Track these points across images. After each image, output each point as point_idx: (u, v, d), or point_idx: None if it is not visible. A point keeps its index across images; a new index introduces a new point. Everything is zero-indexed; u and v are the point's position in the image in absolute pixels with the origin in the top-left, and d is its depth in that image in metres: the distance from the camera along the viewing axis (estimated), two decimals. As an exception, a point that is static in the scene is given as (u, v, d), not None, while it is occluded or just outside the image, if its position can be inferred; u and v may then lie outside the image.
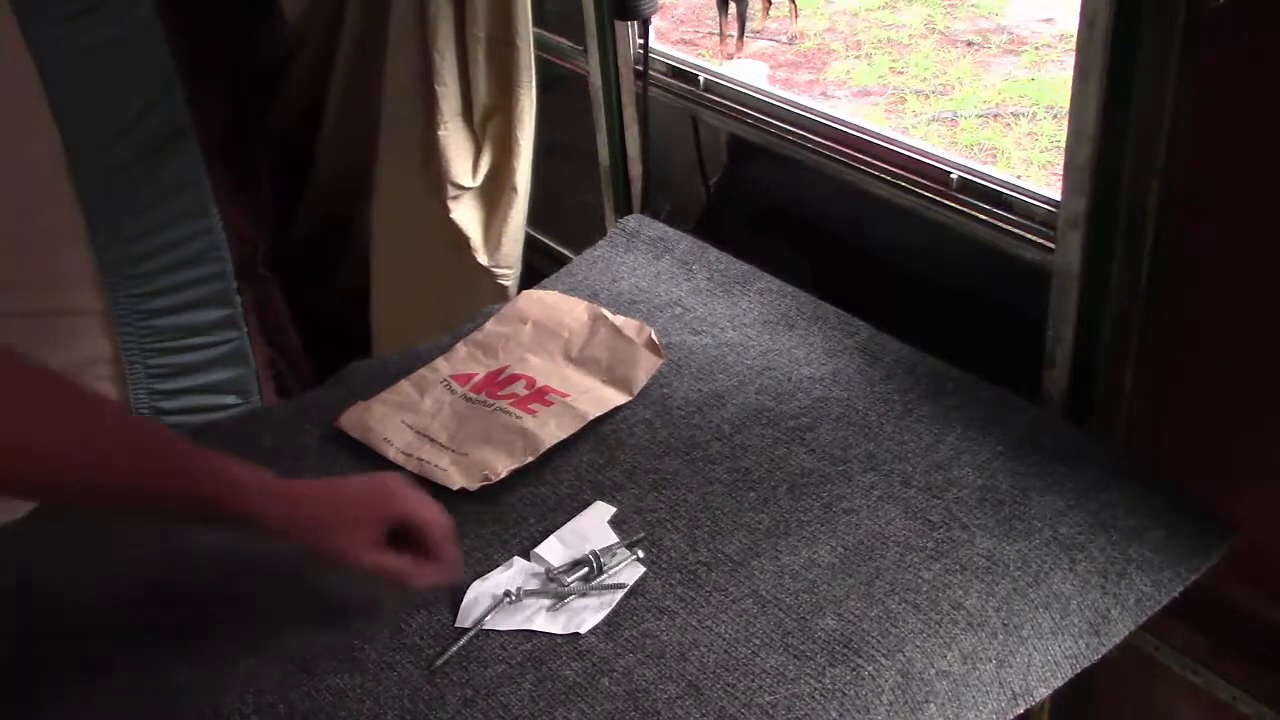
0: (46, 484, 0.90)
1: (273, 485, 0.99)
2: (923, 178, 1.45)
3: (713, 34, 4.92)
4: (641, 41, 1.73)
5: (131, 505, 0.97)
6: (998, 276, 1.43)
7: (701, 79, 1.74)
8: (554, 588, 1.11)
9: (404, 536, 1.04)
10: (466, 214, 1.95)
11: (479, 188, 1.95)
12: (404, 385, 1.42)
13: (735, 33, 4.40)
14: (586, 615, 1.08)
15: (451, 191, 1.93)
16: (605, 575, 1.11)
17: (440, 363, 1.46)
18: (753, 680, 1.01)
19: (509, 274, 1.98)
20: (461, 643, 1.05)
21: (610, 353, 1.43)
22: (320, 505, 1.01)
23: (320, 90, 2.24)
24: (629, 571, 1.12)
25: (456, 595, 1.11)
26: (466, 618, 1.09)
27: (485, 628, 1.07)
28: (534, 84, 1.85)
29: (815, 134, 1.58)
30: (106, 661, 1.07)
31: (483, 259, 1.96)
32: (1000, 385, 1.33)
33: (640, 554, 1.14)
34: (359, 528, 1.01)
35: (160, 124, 1.82)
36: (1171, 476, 1.19)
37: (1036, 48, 4.58)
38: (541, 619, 1.08)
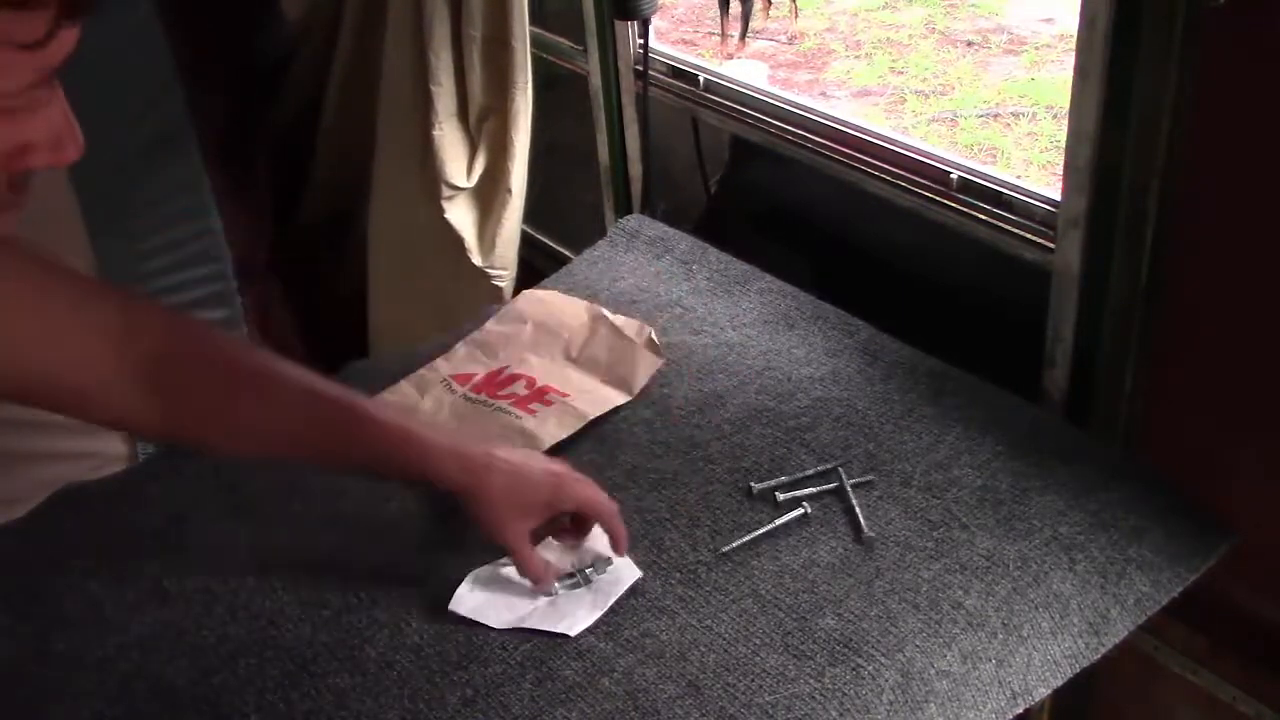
0: (241, 455, 1.10)
1: (465, 456, 1.06)
2: (923, 178, 1.45)
3: (713, 34, 4.92)
4: (641, 41, 1.73)
5: (329, 469, 1.15)
6: (998, 276, 1.43)
7: (701, 79, 1.74)
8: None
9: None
10: (460, 215, 1.95)
11: (473, 189, 1.95)
12: (404, 385, 1.42)
13: (736, 32, 4.40)
14: (579, 616, 1.08)
15: (446, 192, 1.93)
16: (594, 583, 1.11)
17: (440, 363, 1.46)
18: (753, 680, 1.01)
19: (504, 275, 1.98)
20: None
21: (610, 353, 1.43)
22: (504, 487, 1.06)
23: (320, 90, 2.24)
24: (624, 577, 1.12)
25: (452, 582, 1.11)
26: (460, 605, 1.09)
27: (475, 620, 1.08)
28: (530, 85, 1.85)
29: (815, 134, 1.58)
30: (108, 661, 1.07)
31: (477, 260, 1.96)
32: (1000, 385, 1.33)
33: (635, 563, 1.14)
34: (527, 517, 1.07)
35: (160, 124, 1.81)
36: (1171, 476, 1.19)
37: (1036, 48, 4.58)
38: (535, 618, 1.08)
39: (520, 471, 1.07)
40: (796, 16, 5.02)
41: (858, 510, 1.16)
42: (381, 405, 1.13)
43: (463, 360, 1.47)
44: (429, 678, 1.03)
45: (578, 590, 1.10)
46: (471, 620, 1.08)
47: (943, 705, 0.99)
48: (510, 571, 1.12)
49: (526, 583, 1.11)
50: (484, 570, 1.12)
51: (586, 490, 1.10)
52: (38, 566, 1.19)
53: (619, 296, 1.55)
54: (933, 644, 1.03)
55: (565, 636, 1.06)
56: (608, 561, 1.12)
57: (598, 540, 1.15)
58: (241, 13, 2.15)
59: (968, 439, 1.25)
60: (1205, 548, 1.13)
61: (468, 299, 1.93)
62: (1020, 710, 1.01)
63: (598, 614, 1.08)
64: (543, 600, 1.10)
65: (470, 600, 1.09)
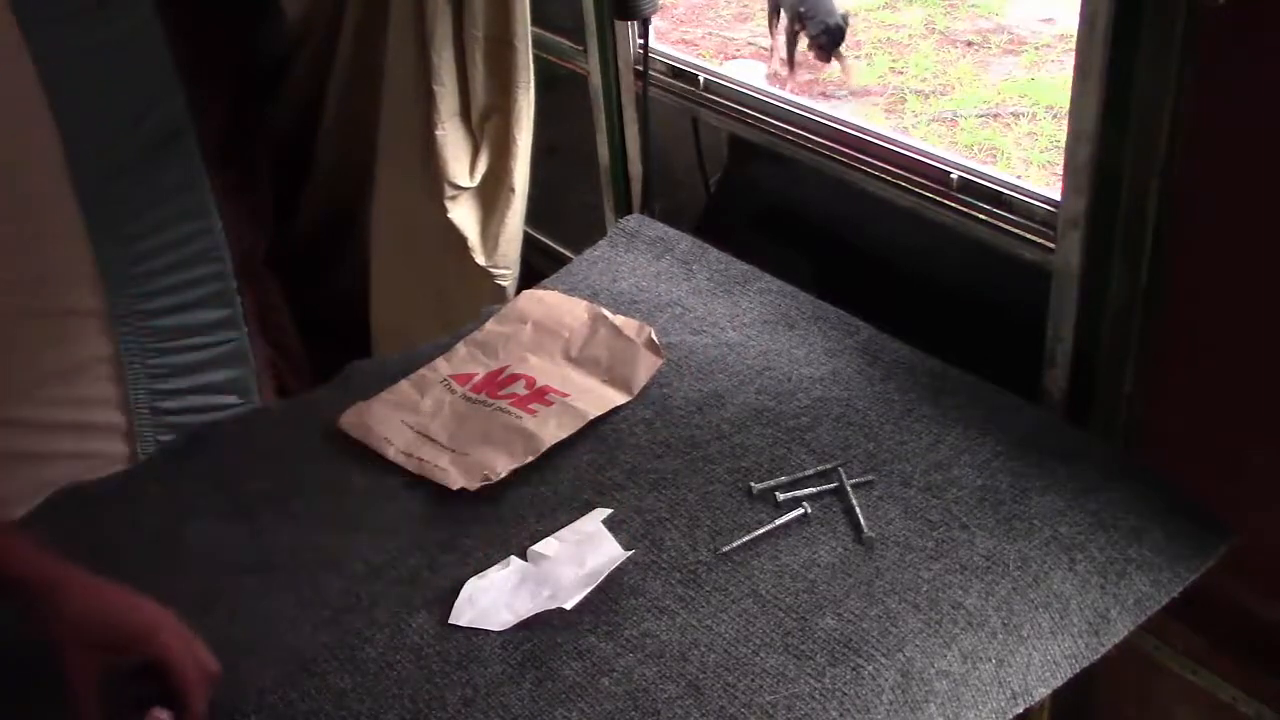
0: None
1: (46, 557, 0.96)
2: (923, 178, 1.45)
3: (712, 34, 4.92)
4: (641, 41, 1.73)
5: None
6: (998, 276, 1.43)
7: (701, 79, 1.74)
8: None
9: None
10: (464, 214, 1.95)
11: (476, 188, 1.95)
12: (404, 385, 1.42)
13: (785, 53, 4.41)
14: (566, 588, 1.08)
15: (449, 192, 1.93)
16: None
17: (440, 363, 1.46)
18: (753, 680, 1.01)
19: (507, 274, 1.98)
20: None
21: (610, 353, 1.43)
22: (88, 614, 0.95)
23: (320, 90, 2.24)
24: (611, 553, 1.12)
25: (452, 583, 1.11)
26: (460, 616, 1.09)
27: (475, 626, 1.08)
28: (532, 84, 1.85)
29: (815, 134, 1.58)
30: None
31: (480, 259, 1.96)
32: (1000, 385, 1.33)
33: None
34: (95, 649, 0.96)
35: (160, 124, 1.81)
36: (1171, 476, 1.19)
37: (1036, 48, 4.58)
38: (524, 601, 1.08)
39: (106, 603, 0.96)
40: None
41: (858, 510, 1.16)
42: None
43: (463, 360, 1.47)
44: (429, 678, 1.03)
45: (560, 560, 1.11)
46: (472, 623, 1.09)
47: (943, 705, 0.99)
48: (506, 575, 1.12)
49: (522, 585, 1.11)
50: (479, 579, 1.12)
51: (174, 651, 0.96)
52: (38, 566, 1.19)
53: (619, 296, 1.55)
54: (933, 644, 1.03)
55: (563, 615, 1.06)
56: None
57: (595, 531, 1.15)
58: (241, 13, 2.14)
59: (968, 439, 1.25)
60: (1205, 548, 1.13)
61: (470, 298, 1.93)
62: (1020, 710, 1.01)
63: (587, 589, 1.08)
64: (531, 584, 1.09)
65: (470, 611, 1.09)
